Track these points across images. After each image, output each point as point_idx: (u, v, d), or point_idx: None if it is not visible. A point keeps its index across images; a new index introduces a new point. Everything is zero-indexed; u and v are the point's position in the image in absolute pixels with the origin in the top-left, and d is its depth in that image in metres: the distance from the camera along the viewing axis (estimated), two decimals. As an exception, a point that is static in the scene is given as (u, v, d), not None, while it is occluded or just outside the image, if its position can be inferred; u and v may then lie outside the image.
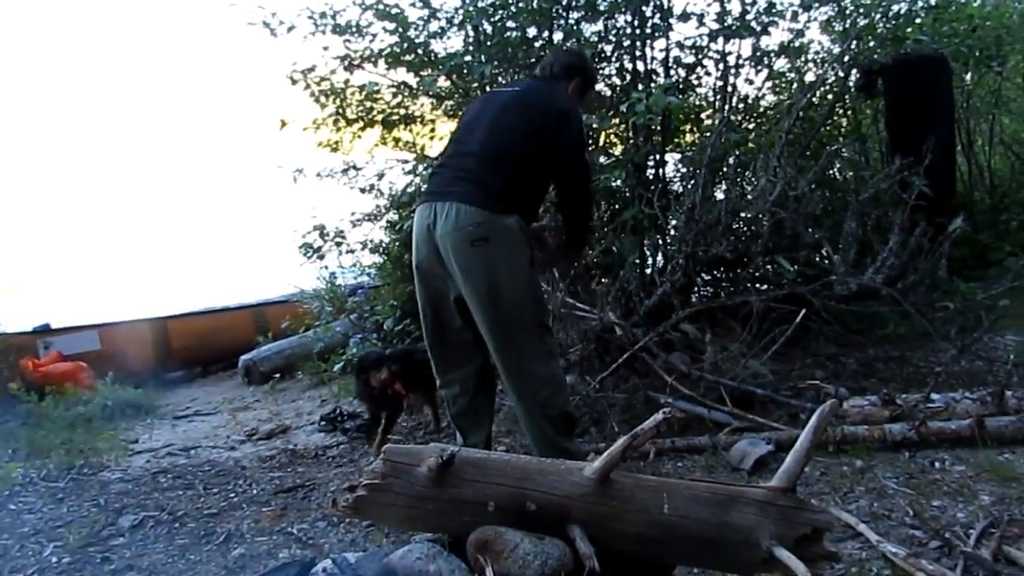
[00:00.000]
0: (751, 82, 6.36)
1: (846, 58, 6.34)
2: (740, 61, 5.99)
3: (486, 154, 3.31)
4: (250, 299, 10.24)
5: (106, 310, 9.03)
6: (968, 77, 7.80)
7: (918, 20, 6.53)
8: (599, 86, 5.92)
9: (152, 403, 6.67)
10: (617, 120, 5.48)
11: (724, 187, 5.66)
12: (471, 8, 5.56)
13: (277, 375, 7.29)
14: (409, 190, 6.26)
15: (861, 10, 6.25)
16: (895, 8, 6.38)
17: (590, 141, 5.79)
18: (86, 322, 8.15)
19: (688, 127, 6.36)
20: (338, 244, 6.79)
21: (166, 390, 7.70)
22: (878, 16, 6.33)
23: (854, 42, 6.12)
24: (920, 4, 6.57)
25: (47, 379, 6.72)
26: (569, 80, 3.70)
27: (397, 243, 6.42)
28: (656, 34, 5.78)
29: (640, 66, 5.81)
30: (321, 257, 6.86)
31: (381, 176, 6.61)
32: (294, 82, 6.27)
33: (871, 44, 6.40)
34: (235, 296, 10.46)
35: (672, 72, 5.95)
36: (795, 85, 6.53)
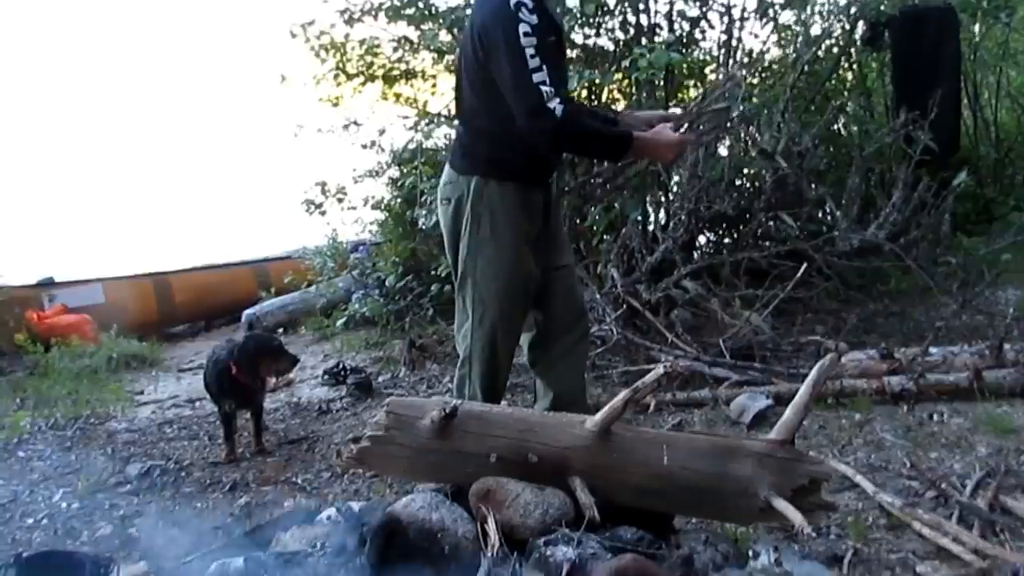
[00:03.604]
0: (756, 36, 6.29)
1: (852, 10, 6.25)
2: (745, 14, 5.93)
3: (460, 111, 3.09)
4: (252, 255, 10.21)
5: (108, 263, 9.00)
6: (976, 29, 7.67)
7: (926, -29, 6.43)
8: (601, 40, 5.86)
9: (156, 356, 6.69)
10: (620, 75, 5.43)
11: (727, 143, 5.64)
12: (472, -40, 5.47)
13: (280, 330, 7.30)
14: (411, 146, 6.22)
15: (868, -38, 6.15)
16: (902, -40, 6.28)
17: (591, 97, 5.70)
18: (89, 276, 8.15)
19: (692, 82, 6.30)
20: (340, 200, 6.80)
21: (170, 344, 7.72)
22: (885, -32, 6.24)
23: (861, -6, 6.03)
24: (928, -45, 6.45)
25: (52, 331, 6.73)
26: None
27: (399, 199, 6.40)
28: (660, -13, 5.70)
29: (644, 20, 5.74)
30: (323, 213, 6.88)
31: (382, 132, 6.55)
32: (294, 36, 6.23)
33: (878, -4, 6.30)
34: (237, 252, 10.42)
35: (676, 26, 5.87)
36: (800, 38, 6.46)
